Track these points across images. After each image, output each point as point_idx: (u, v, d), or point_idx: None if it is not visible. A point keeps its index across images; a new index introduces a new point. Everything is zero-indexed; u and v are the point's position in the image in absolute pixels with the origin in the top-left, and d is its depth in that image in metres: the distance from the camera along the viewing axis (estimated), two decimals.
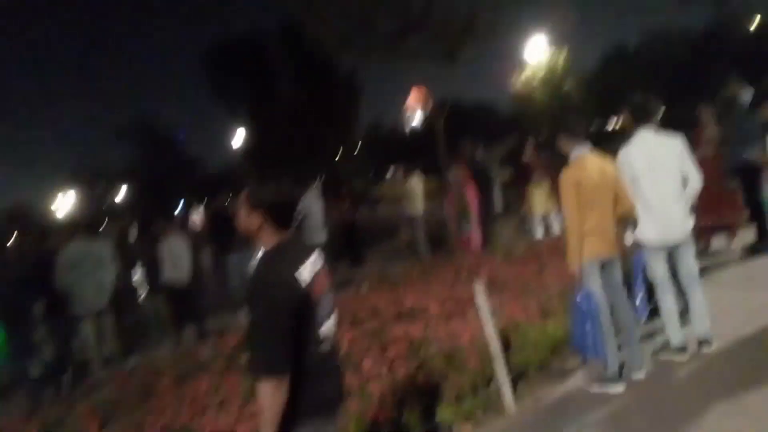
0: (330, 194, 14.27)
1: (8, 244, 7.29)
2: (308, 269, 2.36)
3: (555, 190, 10.76)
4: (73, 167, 63.51)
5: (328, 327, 2.41)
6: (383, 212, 25.12)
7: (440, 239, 11.36)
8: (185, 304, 7.56)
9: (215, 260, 9.77)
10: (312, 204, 9.09)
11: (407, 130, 67.09)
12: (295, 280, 2.28)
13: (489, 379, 4.37)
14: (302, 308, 2.26)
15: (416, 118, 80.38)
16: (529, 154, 10.43)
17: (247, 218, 2.40)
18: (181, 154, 57.97)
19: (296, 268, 2.32)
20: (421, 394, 4.20)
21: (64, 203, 61.49)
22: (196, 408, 4.46)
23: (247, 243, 10.13)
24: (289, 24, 34.70)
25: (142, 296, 10.09)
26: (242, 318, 2.29)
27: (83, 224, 7.29)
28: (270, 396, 2.16)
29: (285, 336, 2.19)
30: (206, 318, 8.14)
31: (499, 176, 11.13)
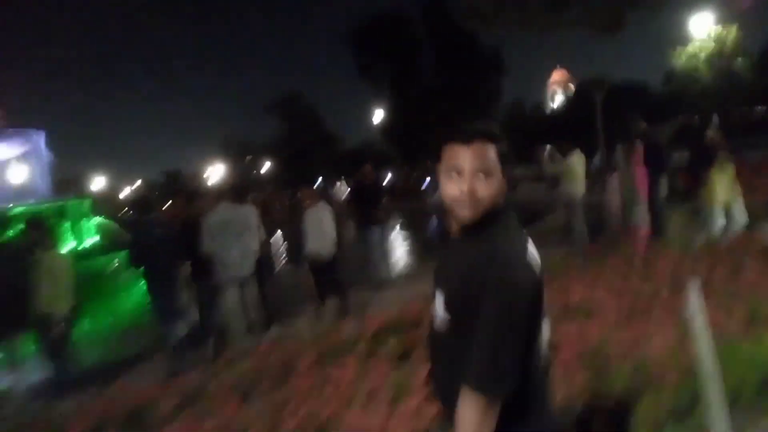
0: None
1: (162, 208, 7.29)
2: (533, 248, 1.71)
3: (739, 176, 9.32)
4: (223, 139, 68.08)
5: (547, 328, 1.75)
6: (523, 193, 23.89)
7: (597, 225, 10.30)
8: (328, 277, 7.25)
9: (357, 233, 9.46)
10: None
11: (549, 109, 64.40)
12: (533, 262, 1.65)
13: (692, 401, 3.52)
14: (536, 302, 1.62)
15: (558, 98, 77.07)
16: (713, 133, 9.05)
17: (498, 182, 1.68)
18: (324, 129, 59.62)
19: (526, 246, 1.68)
20: (608, 414, 3.44)
21: (213, 172, 65.89)
22: (341, 397, 4.01)
23: (388, 216, 9.83)
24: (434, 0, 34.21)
25: (281, 266, 10.05)
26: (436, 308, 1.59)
27: (230, 189, 7.14)
28: (479, 420, 1.55)
29: (520, 341, 1.57)
30: (348, 292, 7.81)
31: (673, 158, 9.81)
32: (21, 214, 19.07)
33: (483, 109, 34.95)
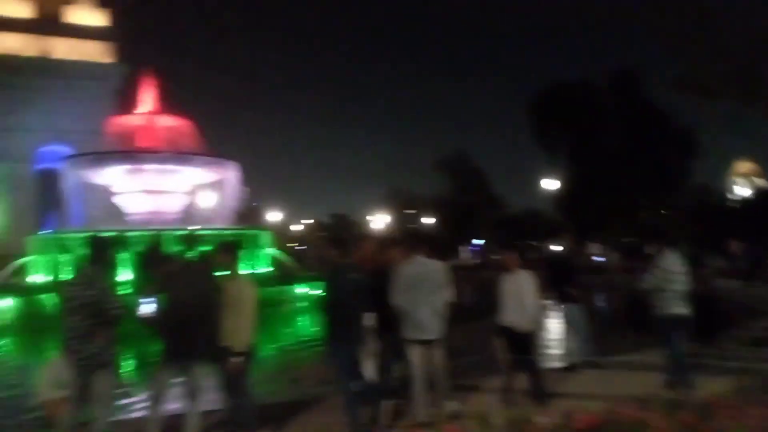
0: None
1: (348, 251, 6.79)
2: None
3: None
4: (388, 189, 69.67)
5: None
6: (722, 290, 21.22)
7: None
8: (523, 352, 6.43)
9: (551, 309, 8.54)
10: (675, 266, 7.28)
11: (733, 199, 58.78)
12: None
13: None
14: None
15: (741, 190, 70.32)
16: None
17: None
18: (489, 191, 58.94)
19: None
20: None
21: (376, 221, 67.39)
22: None
23: (587, 293, 8.82)
24: (625, 70, 32.61)
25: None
26: None
27: (428, 243, 6.63)
28: None
29: None
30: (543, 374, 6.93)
31: None
32: (206, 236, 20.40)
33: (669, 188, 32.38)
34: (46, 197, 44.45)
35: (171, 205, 21.85)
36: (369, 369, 6.46)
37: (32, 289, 18.26)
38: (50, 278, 18.77)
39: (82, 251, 18.28)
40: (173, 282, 5.67)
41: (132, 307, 5.75)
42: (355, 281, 5.92)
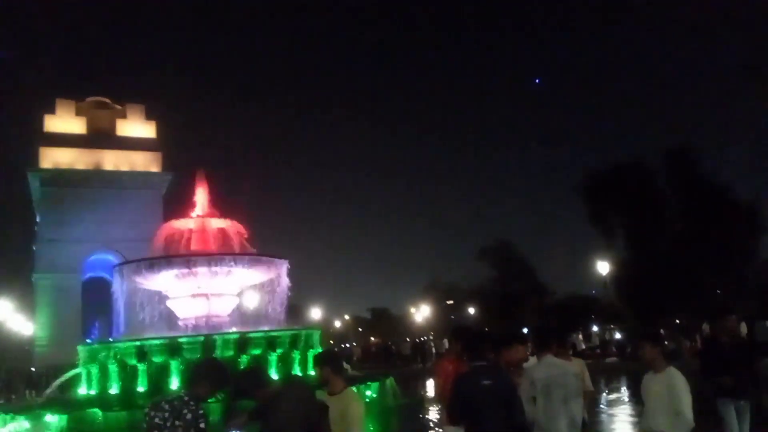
0: None
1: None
2: None
3: None
4: (429, 281, 68.24)
5: None
6: None
7: None
8: None
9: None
10: None
11: None
12: None
13: None
14: None
15: None
16: None
17: None
18: (535, 278, 57.28)
19: None
20: None
21: (419, 314, 65.69)
22: None
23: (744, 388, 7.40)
24: (681, 148, 31.89)
25: None
26: None
27: (557, 338, 5.71)
28: None
29: None
30: None
31: None
32: (258, 339, 19.46)
33: (735, 268, 30.79)
34: (91, 307, 44.49)
35: (222, 307, 21.19)
36: None
37: (81, 403, 17.36)
38: (102, 391, 17.87)
39: (157, 360, 17.16)
40: (275, 407, 4.68)
41: None
42: (488, 388, 4.95)
